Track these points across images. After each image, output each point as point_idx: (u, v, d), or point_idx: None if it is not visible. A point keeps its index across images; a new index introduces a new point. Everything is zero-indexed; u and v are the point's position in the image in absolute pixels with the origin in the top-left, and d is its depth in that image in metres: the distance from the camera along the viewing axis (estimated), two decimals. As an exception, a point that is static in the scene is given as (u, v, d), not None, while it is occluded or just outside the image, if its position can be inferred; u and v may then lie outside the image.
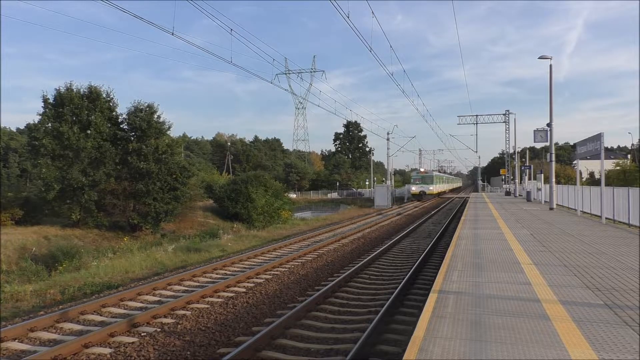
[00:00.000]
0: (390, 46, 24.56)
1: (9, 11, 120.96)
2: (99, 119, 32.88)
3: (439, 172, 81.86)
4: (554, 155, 24.77)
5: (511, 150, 56.26)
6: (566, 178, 71.21)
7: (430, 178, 55.94)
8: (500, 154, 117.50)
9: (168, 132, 36.27)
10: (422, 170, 59.36)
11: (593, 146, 17.36)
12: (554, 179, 24.16)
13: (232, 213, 39.73)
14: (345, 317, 8.32)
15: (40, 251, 25.24)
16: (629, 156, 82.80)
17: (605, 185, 16.71)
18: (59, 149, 31.11)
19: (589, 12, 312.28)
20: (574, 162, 67.81)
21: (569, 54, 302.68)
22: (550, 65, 23.57)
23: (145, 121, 34.13)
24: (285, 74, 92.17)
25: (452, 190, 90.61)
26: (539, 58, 23.72)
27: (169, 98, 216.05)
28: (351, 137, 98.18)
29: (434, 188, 56.51)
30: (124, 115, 35.77)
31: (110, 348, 6.93)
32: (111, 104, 35.04)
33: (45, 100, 32.65)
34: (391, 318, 7.99)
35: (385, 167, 73.58)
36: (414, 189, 55.25)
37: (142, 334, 7.51)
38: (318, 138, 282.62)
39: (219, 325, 7.99)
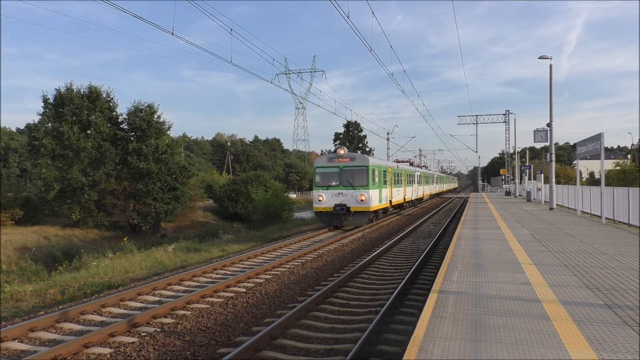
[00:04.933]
0: (390, 46, 24.26)
1: (9, 11, 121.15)
2: (99, 119, 32.93)
3: (403, 163, 36.27)
4: (554, 155, 24.78)
5: (511, 150, 56.26)
6: (566, 178, 71.21)
7: (361, 173, 21.80)
8: (500, 154, 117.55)
9: (168, 132, 36.37)
10: (341, 152, 22.39)
11: (593, 146, 17.36)
12: (554, 179, 24.17)
13: (232, 213, 39.78)
14: (345, 317, 8.32)
15: (40, 251, 25.24)
16: (629, 156, 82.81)
17: (605, 185, 16.72)
18: (59, 149, 31.14)
19: (589, 12, 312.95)
20: (574, 162, 67.88)
21: (569, 54, 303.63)
22: (550, 65, 23.60)
23: (145, 121, 34.18)
24: (285, 74, 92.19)
25: (440, 194, 66.86)
26: (539, 58, 23.75)
27: (169, 98, 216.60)
28: (351, 137, 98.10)
29: (377, 195, 22.99)
30: (124, 115, 35.88)
31: (110, 348, 6.93)
32: (111, 104, 35.11)
33: (45, 100, 32.70)
34: (391, 318, 7.99)
35: (385, 167, 72.72)
36: (322, 198, 21.82)
37: (142, 334, 7.51)
38: (318, 138, 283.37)
39: (219, 325, 7.98)
